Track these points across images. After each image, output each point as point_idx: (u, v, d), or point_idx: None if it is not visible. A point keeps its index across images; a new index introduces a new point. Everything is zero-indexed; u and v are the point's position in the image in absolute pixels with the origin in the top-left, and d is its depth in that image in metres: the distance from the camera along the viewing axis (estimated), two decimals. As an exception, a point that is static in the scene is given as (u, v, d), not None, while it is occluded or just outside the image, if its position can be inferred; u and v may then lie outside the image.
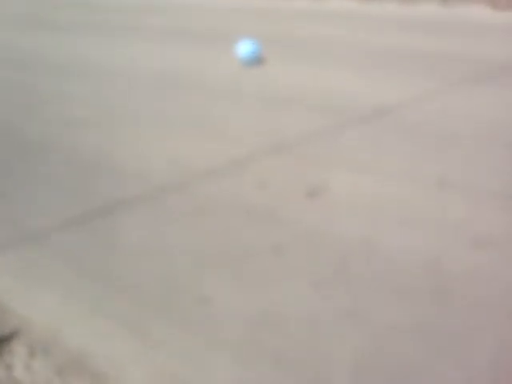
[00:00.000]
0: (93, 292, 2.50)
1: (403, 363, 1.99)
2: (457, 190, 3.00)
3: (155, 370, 2.06)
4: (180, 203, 3.15)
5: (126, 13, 9.24)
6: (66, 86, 5.56)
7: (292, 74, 5.20)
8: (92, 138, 4.18)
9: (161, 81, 5.42)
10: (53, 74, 6.04)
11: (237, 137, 3.93)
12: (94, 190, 3.39)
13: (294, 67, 5.40)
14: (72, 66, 6.32)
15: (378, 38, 6.17)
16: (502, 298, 2.24)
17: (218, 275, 2.52)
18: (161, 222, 2.99)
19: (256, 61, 5.60)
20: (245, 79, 5.22)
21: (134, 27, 8.01)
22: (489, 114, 3.94)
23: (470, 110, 4.03)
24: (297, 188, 3.17)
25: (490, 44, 5.57)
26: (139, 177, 3.49)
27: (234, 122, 4.18)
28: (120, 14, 9.20)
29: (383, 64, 5.24)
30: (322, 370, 2.00)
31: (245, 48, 5.56)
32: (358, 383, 1.94)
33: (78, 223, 3.05)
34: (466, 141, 3.55)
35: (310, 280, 2.43)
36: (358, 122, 3.97)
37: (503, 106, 4.06)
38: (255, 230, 2.82)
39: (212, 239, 2.79)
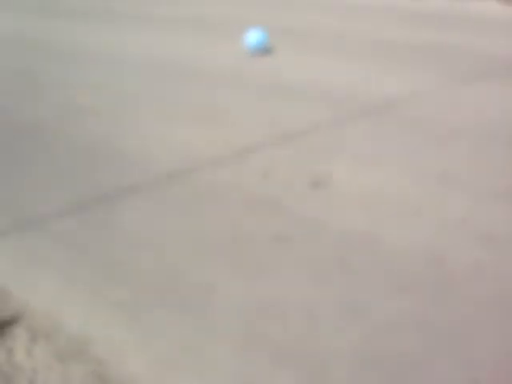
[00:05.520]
0: (93, 279, 2.50)
1: (403, 359, 1.99)
2: (459, 186, 2.99)
3: (155, 358, 2.07)
4: (181, 191, 3.14)
5: (139, 1, 9.13)
6: (68, 73, 5.54)
7: (299, 65, 5.17)
8: (93, 126, 4.17)
9: (166, 69, 5.40)
10: (56, 61, 6.02)
11: (240, 126, 3.92)
12: (95, 177, 3.38)
13: (301, 58, 5.37)
14: (75, 53, 6.30)
15: (386, 31, 6.12)
16: (504, 295, 2.23)
17: (219, 264, 2.52)
18: (162, 210, 2.98)
19: (263, 50, 5.57)
20: (251, 68, 5.19)
21: (143, 15, 7.96)
22: (495, 110, 3.92)
23: (475, 105, 4.01)
24: (299, 178, 3.16)
25: (499, 39, 5.53)
26: (140, 164, 3.49)
27: (238, 111, 4.17)
28: (134, 3, 9.09)
29: (390, 57, 5.21)
30: (320, 364, 2.00)
31: (253, 37, 5.53)
32: (356, 378, 1.94)
33: (79, 210, 3.05)
34: (470, 136, 3.54)
35: (310, 271, 2.43)
36: (363, 114, 3.96)
37: (509, 102, 4.04)
38: (257, 220, 2.81)
39: (213, 228, 2.79)
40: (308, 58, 5.40)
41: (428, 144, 3.46)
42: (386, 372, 1.94)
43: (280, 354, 2.05)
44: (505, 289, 2.26)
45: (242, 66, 5.31)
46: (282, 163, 3.35)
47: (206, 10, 8.03)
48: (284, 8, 7.75)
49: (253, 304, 2.28)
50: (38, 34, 7.34)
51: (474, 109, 3.95)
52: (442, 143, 3.47)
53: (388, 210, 2.82)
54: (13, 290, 2.46)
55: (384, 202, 2.89)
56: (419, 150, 3.38)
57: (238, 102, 4.37)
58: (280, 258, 2.53)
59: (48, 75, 5.54)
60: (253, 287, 2.37)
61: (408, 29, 6.18)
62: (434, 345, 2.03)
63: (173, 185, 3.22)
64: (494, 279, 2.31)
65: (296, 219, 2.80)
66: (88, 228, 2.89)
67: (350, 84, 4.58)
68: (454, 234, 2.61)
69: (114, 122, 4.21)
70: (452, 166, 3.19)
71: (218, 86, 4.77)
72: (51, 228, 2.92)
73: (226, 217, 2.87)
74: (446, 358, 1.97)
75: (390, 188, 3.01)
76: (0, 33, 7.63)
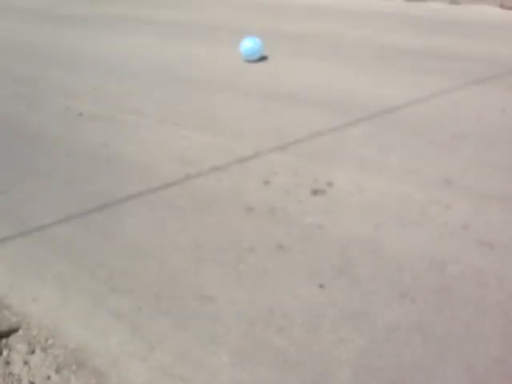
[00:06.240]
0: (92, 288, 2.49)
1: (404, 365, 1.98)
2: (461, 191, 2.98)
3: (155, 368, 2.05)
4: (181, 199, 3.13)
5: (139, 6, 9.12)
6: (68, 79, 5.54)
7: (299, 71, 5.17)
8: (93, 132, 4.16)
9: (165, 75, 5.40)
10: (56, 67, 6.02)
11: (240, 132, 3.90)
12: (94, 184, 3.37)
13: (301, 64, 5.36)
14: (74, 59, 6.30)
15: (385, 36, 6.11)
16: (505, 301, 2.22)
17: (219, 272, 2.51)
18: (162, 216, 2.97)
19: (259, 57, 5.56)
20: (250, 74, 5.19)
21: (143, 21, 7.95)
22: (496, 114, 3.91)
23: (476, 110, 3.99)
24: (300, 185, 3.15)
25: (498, 43, 5.52)
26: (140, 170, 3.48)
27: (238, 117, 4.16)
28: (134, 8, 9.06)
29: (390, 62, 5.20)
30: (322, 371, 1.98)
31: (248, 44, 5.52)
32: (358, 385, 1.93)
33: (78, 218, 3.04)
34: (471, 141, 3.52)
35: (312, 279, 2.41)
36: (363, 119, 3.94)
37: (510, 106, 4.03)
38: (258, 228, 2.80)
39: (214, 236, 2.77)
40: (307, 63, 5.39)
41: (429, 149, 3.45)
42: (387, 378, 1.93)
43: (281, 361, 2.03)
44: (506, 295, 2.25)
45: (241, 72, 5.30)
46: (282, 170, 3.34)
47: (205, 15, 8.04)
48: (282, 14, 7.74)
49: (253, 312, 2.27)
50: (37, 40, 7.35)
51: (475, 113, 3.93)
52: (442, 148, 3.45)
53: (389, 216, 2.80)
54: (11, 299, 2.45)
55: (385, 207, 2.88)
56: (420, 156, 3.37)
57: (238, 108, 4.36)
58: (281, 265, 2.52)
59: (48, 81, 5.54)
60: (253, 296, 2.35)
61: (407, 33, 6.17)
62: (435, 351, 2.01)
63: (173, 191, 3.21)
64: (495, 285, 2.30)
65: (297, 226, 2.78)
66: (87, 236, 2.87)
67: (350, 90, 4.57)
68: (456, 239, 2.60)
69: (113, 128, 4.20)
70: (453, 171, 3.18)
71: (217, 92, 4.76)
72: (51, 235, 2.91)
73: (226, 223, 2.86)
74: (447, 364, 1.95)
75: (391, 194, 3.00)
76: (0, 40, 7.65)
